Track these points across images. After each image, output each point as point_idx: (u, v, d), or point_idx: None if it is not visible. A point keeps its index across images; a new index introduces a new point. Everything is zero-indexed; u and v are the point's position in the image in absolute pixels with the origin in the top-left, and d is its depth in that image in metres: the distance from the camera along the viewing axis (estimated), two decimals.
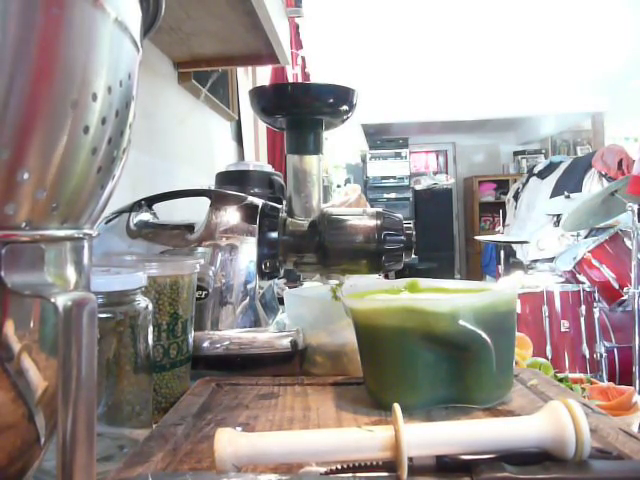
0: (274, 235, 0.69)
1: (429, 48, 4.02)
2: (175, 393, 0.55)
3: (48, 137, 0.23)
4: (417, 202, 6.19)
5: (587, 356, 2.31)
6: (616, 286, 2.43)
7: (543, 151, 6.52)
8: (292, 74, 2.84)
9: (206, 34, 1.29)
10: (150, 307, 0.47)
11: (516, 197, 5.01)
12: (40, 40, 0.22)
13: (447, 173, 6.77)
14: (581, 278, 2.57)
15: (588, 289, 2.44)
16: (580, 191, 3.95)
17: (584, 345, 2.32)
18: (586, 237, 2.95)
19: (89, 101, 0.24)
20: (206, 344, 0.62)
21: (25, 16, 0.21)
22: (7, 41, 0.20)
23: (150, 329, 0.47)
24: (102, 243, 0.69)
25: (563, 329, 2.36)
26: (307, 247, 0.70)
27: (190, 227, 0.71)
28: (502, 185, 6.36)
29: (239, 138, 2.14)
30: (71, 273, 0.27)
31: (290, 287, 1.05)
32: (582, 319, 2.37)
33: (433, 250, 5.71)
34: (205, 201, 0.73)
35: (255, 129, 2.33)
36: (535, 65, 4.42)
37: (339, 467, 0.34)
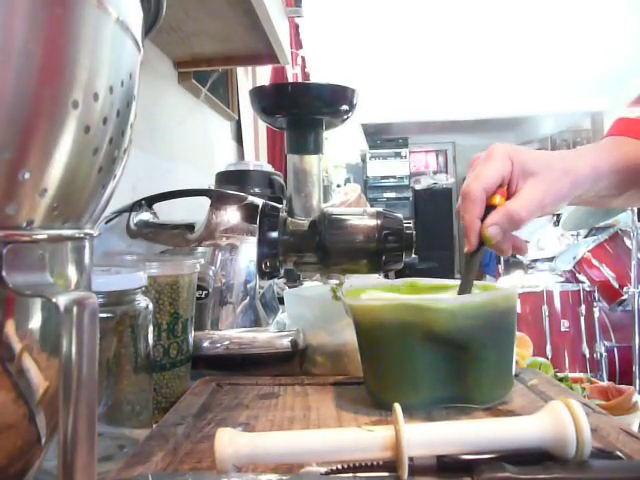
0: (274, 235, 0.69)
1: (429, 48, 4.02)
2: (175, 393, 0.55)
3: (49, 137, 0.22)
4: (417, 202, 6.19)
5: (587, 356, 2.31)
6: (616, 285, 2.43)
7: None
8: (292, 74, 2.84)
9: (206, 34, 1.29)
10: (150, 307, 0.47)
11: None
12: (43, 40, 0.22)
13: (447, 173, 6.77)
14: (581, 278, 2.57)
15: (588, 289, 2.44)
16: None
17: (584, 345, 2.32)
18: (586, 237, 2.95)
19: (90, 101, 0.24)
20: (206, 344, 0.62)
21: (28, 16, 0.21)
22: (10, 40, 0.20)
23: (150, 329, 0.47)
24: (102, 243, 0.69)
25: (563, 329, 2.36)
26: (307, 247, 0.70)
27: (190, 227, 0.71)
28: None
29: (239, 138, 2.14)
30: (72, 273, 0.27)
31: (290, 287, 1.05)
32: (582, 318, 2.37)
33: (433, 250, 5.69)
34: (205, 201, 0.73)
35: (255, 129, 2.33)
36: (535, 65, 4.41)
37: (339, 467, 0.34)
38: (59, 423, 0.22)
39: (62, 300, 0.21)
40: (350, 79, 0.81)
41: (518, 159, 0.53)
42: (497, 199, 0.52)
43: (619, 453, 0.35)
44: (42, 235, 0.24)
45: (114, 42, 0.26)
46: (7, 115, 0.21)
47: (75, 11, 0.23)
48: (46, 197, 0.23)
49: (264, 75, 2.43)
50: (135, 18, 0.28)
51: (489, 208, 0.52)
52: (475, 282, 0.55)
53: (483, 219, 0.52)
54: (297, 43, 2.89)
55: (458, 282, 0.56)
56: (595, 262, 2.51)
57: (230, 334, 0.64)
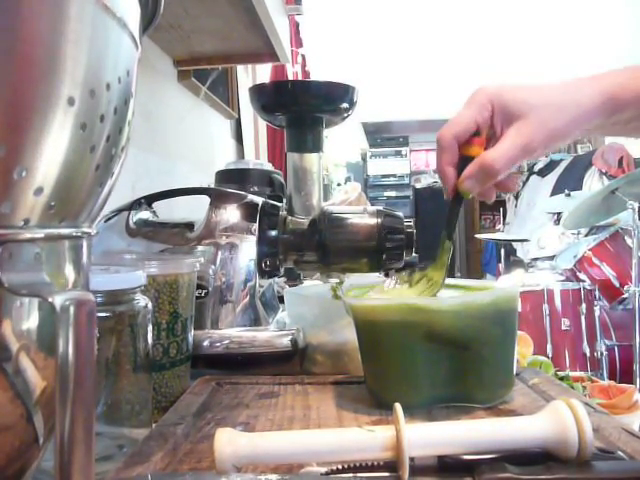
0: (274, 233, 0.69)
1: (429, 46, 4.01)
2: (175, 392, 0.55)
3: (45, 134, 0.22)
4: (417, 200, 6.17)
5: (588, 354, 2.30)
6: (617, 284, 2.43)
7: None
8: (292, 72, 2.83)
9: (206, 32, 1.29)
10: (150, 306, 0.47)
11: (516, 195, 5.00)
12: (36, 35, 0.21)
13: None
14: (582, 276, 2.57)
15: (589, 287, 2.44)
16: (580, 189, 3.95)
17: (585, 343, 2.32)
18: (587, 235, 2.94)
19: (87, 98, 0.24)
20: (206, 343, 0.62)
21: (20, 10, 0.21)
22: (2, 37, 0.20)
23: (150, 328, 0.47)
24: (101, 242, 0.69)
25: (564, 327, 2.35)
26: (307, 245, 0.69)
27: (190, 225, 0.71)
28: None
29: (239, 136, 2.14)
30: (69, 272, 0.27)
31: (290, 286, 1.05)
32: (583, 317, 2.37)
33: (433, 248, 5.69)
34: (205, 199, 0.72)
35: (255, 127, 2.33)
36: (535, 63, 4.41)
37: (340, 467, 0.34)
38: (56, 424, 0.22)
39: (58, 300, 0.21)
40: (351, 77, 0.81)
41: (501, 102, 0.48)
42: (474, 149, 0.49)
43: (621, 453, 0.35)
44: (38, 234, 0.24)
45: (111, 38, 0.26)
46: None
47: (70, 6, 0.22)
48: (42, 195, 0.23)
49: (264, 73, 2.43)
50: (133, 14, 0.28)
51: (469, 159, 0.49)
52: (475, 282, 0.55)
53: (461, 169, 0.49)
54: (297, 41, 2.89)
55: (459, 281, 0.56)
56: (596, 261, 2.51)
57: (230, 333, 0.64)
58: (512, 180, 0.52)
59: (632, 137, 0.53)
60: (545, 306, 2.38)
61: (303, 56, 3.07)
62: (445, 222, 0.53)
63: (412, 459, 0.33)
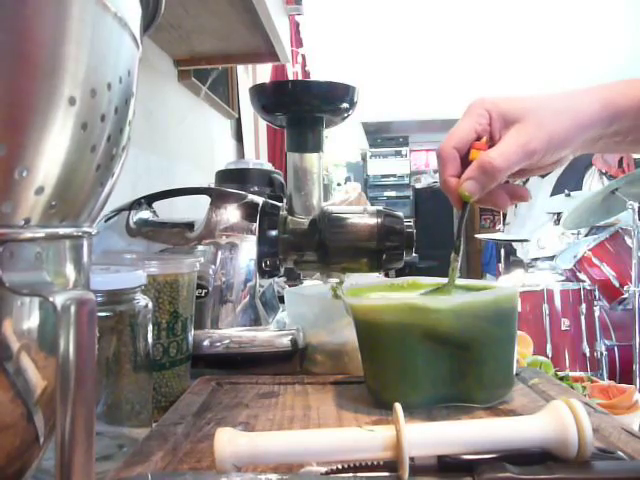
0: (274, 233, 0.69)
1: (429, 46, 4.01)
2: (175, 392, 0.55)
3: (46, 134, 0.22)
4: (417, 200, 6.18)
5: (587, 354, 2.30)
6: (616, 284, 2.43)
7: None
8: (292, 72, 2.84)
9: (206, 32, 1.29)
10: (150, 306, 0.47)
11: None
12: (38, 35, 0.21)
13: None
14: (581, 276, 2.57)
15: (588, 287, 2.44)
16: (580, 189, 3.95)
17: (584, 343, 2.32)
18: (586, 235, 2.95)
19: (88, 97, 0.24)
20: (206, 343, 0.62)
21: (20, 9, 0.21)
22: (1, 35, 0.20)
23: (150, 328, 0.47)
24: (101, 241, 0.69)
25: (563, 327, 2.35)
26: (307, 245, 0.69)
27: (190, 225, 0.71)
28: None
29: (239, 136, 2.14)
30: (70, 271, 0.27)
31: (290, 285, 1.05)
32: (582, 317, 2.37)
33: (433, 248, 5.69)
34: (205, 199, 0.72)
35: (255, 127, 2.33)
36: (535, 64, 4.41)
37: (340, 467, 0.34)
38: (56, 423, 0.22)
39: (59, 299, 0.21)
40: (351, 77, 0.81)
41: (498, 110, 0.49)
42: (475, 153, 0.49)
43: (621, 453, 0.35)
44: (39, 234, 0.24)
45: (112, 38, 0.26)
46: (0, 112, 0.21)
47: (71, 5, 0.22)
48: (43, 195, 0.23)
49: (264, 73, 2.43)
50: (133, 14, 0.28)
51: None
52: (476, 281, 0.55)
53: None
54: (297, 41, 2.89)
55: (459, 281, 0.56)
56: (596, 261, 2.51)
57: (230, 333, 0.64)
58: (525, 189, 0.52)
59: (632, 152, 0.54)
60: (545, 306, 2.38)
61: (303, 56, 3.07)
62: (457, 228, 0.53)
63: (412, 459, 0.33)
